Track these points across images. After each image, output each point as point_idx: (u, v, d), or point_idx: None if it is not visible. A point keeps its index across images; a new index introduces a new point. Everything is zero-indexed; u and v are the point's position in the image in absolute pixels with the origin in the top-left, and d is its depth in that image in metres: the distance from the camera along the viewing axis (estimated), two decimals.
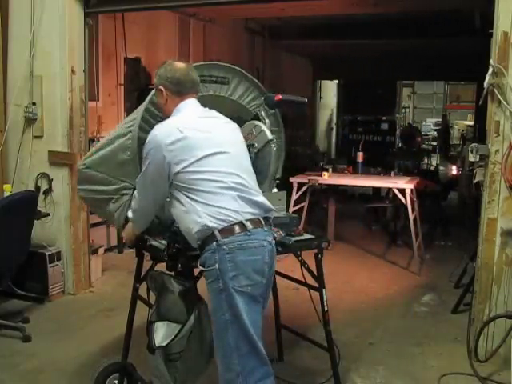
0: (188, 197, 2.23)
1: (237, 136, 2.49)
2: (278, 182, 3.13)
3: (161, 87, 2.43)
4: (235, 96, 2.94)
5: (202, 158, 2.23)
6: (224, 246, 2.17)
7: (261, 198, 2.33)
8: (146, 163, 2.30)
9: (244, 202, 2.24)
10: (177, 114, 2.40)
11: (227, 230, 2.19)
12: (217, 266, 2.17)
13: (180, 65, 2.45)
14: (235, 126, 2.52)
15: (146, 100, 2.67)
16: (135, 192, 2.46)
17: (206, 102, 2.85)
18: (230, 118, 2.57)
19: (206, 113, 2.45)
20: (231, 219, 2.19)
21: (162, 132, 2.28)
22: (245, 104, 2.95)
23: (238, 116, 2.93)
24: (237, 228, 2.20)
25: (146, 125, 2.65)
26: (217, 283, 2.17)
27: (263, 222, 2.28)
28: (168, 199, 2.37)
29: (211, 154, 2.25)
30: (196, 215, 2.21)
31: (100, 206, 2.89)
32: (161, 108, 2.52)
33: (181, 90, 2.41)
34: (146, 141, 2.31)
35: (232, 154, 2.33)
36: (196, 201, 2.21)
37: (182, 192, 2.25)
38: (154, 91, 2.62)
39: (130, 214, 2.52)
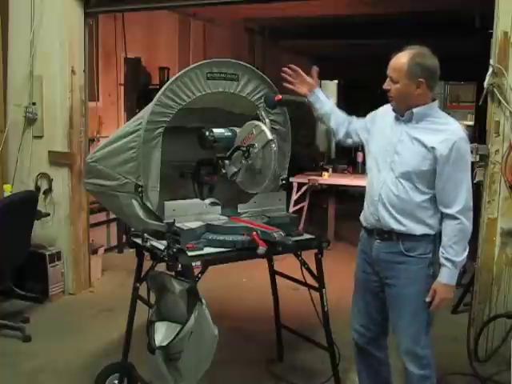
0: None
1: None
2: (283, 182, 3.11)
3: (422, 80, 2.26)
4: (244, 93, 2.89)
5: None
6: (439, 240, 2.36)
7: None
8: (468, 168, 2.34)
9: None
10: (436, 112, 2.34)
11: None
12: (431, 255, 2.38)
13: (433, 55, 2.34)
14: None
15: (154, 100, 2.66)
16: (465, 220, 2.31)
17: (215, 99, 2.85)
18: (245, 117, 2.66)
19: None
20: None
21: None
22: (254, 101, 2.93)
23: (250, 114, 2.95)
24: None
25: (153, 126, 2.66)
26: (428, 270, 2.39)
27: None
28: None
29: None
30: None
31: (107, 200, 3.00)
32: (403, 95, 2.32)
33: (434, 85, 2.34)
34: (460, 143, 2.28)
35: None
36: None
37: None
38: (161, 92, 2.65)
39: (461, 255, 2.34)
